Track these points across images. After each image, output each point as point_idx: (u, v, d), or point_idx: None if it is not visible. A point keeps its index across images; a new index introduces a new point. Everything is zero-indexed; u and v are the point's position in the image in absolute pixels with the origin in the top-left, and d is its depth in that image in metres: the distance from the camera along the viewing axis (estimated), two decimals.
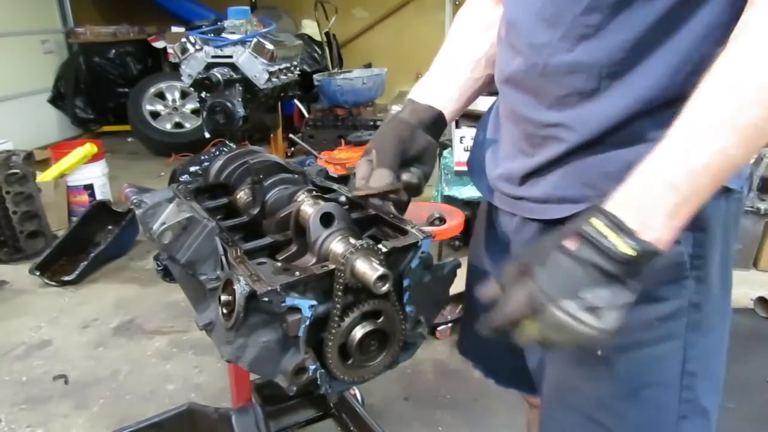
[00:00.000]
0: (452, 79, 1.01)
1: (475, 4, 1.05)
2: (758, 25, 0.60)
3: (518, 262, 0.68)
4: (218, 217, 1.03)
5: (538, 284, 0.63)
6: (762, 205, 2.82)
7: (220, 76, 3.21)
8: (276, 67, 3.42)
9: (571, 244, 0.63)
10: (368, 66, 5.86)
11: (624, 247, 0.59)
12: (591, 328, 0.60)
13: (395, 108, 0.97)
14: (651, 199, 0.61)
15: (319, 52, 5.59)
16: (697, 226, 0.73)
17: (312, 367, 0.83)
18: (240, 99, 3.30)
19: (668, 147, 0.62)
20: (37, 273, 3.08)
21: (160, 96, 5.55)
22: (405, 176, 0.92)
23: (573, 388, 0.87)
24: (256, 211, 1.02)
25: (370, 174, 0.89)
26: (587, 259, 0.61)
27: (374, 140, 0.93)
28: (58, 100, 6.07)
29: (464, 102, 1.02)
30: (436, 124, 0.97)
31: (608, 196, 0.64)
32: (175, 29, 5.17)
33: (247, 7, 3.80)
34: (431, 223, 2.34)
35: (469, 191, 2.85)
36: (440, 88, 1.00)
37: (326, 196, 1.02)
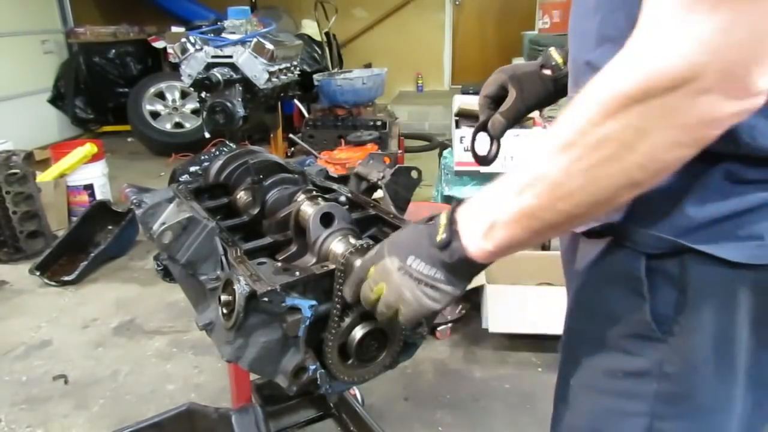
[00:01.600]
0: None
1: None
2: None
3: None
4: (218, 217, 1.04)
5: (387, 240, 0.72)
6: None
7: (220, 76, 3.20)
8: (276, 67, 3.42)
9: (423, 219, 0.71)
10: (368, 66, 5.86)
11: (440, 235, 0.66)
12: (407, 290, 0.68)
13: (555, 56, 0.89)
14: (476, 211, 0.65)
15: (319, 52, 5.59)
16: (671, 282, 0.65)
17: (312, 367, 0.83)
18: (240, 99, 3.30)
19: (511, 172, 0.63)
20: (37, 273, 3.08)
21: (160, 96, 5.55)
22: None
23: (555, 410, 0.86)
24: (256, 211, 1.02)
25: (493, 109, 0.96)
26: (421, 231, 0.69)
27: (525, 82, 0.94)
28: (58, 100, 6.08)
29: None
30: None
31: None
32: (175, 29, 5.17)
33: (247, 7, 3.79)
34: None
35: (469, 191, 2.85)
36: None
37: (326, 196, 1.02)
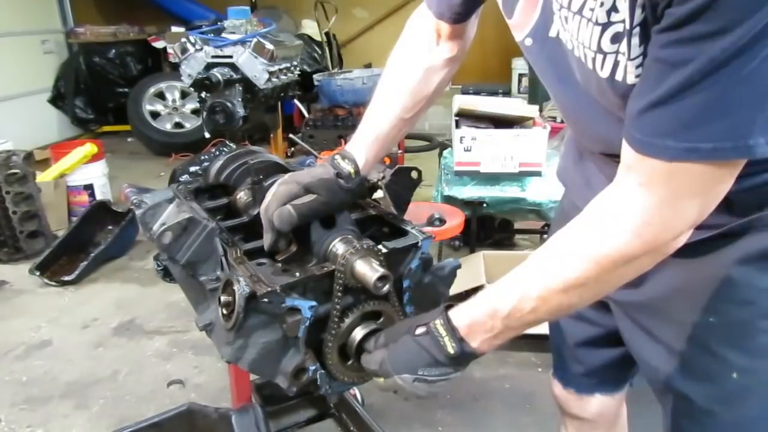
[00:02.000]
0: (387, 142, 1.02)
1: (417, 42, 1.07)
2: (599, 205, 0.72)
3: (381, 334, 0.84)
4: (218, 217, 1.03)
5: (388, 357, 0.80)
6: None
7: (220, 76, 3.20)
8: (276, 67, 3.42)
9: (418, 333, 0.79)
10: (368, 66, 5.86)
11: (450, 347, 0.77)
12: (422, 390, 0.80)
13: (343, 164, 0.93)
14: (479, 320, 0.77)
15: (319, 52, 5.59)
16: None
17: (312, 368, 0.83)
18: (240, 99, 3.30)
19: (508, 282, 0.77)
20: (37, 273, 3.08)
21: (160, 96, 5.55)
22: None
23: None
24: (256, 211, 1.02)
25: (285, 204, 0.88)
26: (426, 347, 0.78)
27: (324, 190, 0.90)
28: (58, 100, 6.08)
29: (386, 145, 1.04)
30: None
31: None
32: (175, 29, 5.17)
33: (247, 7, 3.79)
34: (431, 224, 2.34)
35: (469, 191, 2.85)
36: (374, 154, 1.01)
37: None
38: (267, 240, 0.90)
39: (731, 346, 0.85)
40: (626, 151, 0.68)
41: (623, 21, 0.66)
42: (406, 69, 1.06)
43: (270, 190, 0.91)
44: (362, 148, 0.99)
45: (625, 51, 0.67)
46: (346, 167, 0.93)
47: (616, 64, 0.70)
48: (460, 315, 0.78)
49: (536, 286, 0.73)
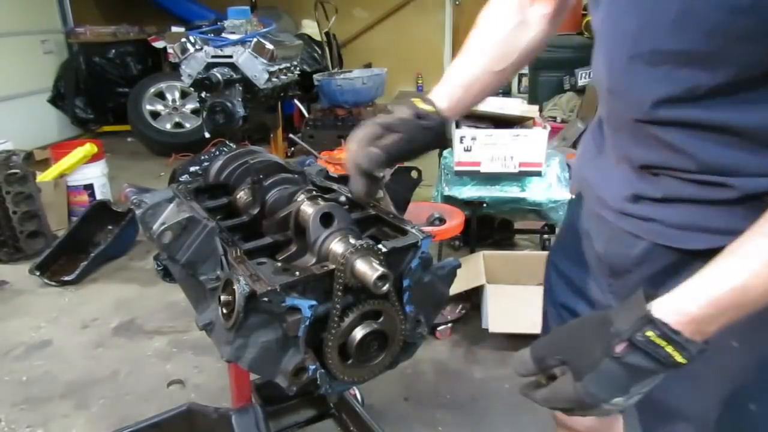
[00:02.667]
0: (474, 93, 0.98)
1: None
2: None
3: (559, 359, 0.70)
4: (218, 217, 1.03)
5: (588, 390, 0.65)
6: None
7: (220, 76, 3.20)
8: (276, 67, 3.42)
9: (621, 351, 0.64)
10: (368, 66, 5.86)
11: (679, 357, 0.62)
12: (621, 406, 0.66)
13: (422, 106, 0.91)
14: (712, 312, 0.62)
15: (319, 52, 5.59)
16: None
17: (312, 367, 0.83)
18: (240, 99, 3.30)
19: (734, 261, 0.62)
20: (37, 273, 3.08)
21: (160, 96, 5.55)
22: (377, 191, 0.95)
23: None
24: (256, 211, 1.02)
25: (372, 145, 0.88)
26: (637, 365, 0.63)
27: (405, 129, 0.90)
28: (58, 100, 6.07)
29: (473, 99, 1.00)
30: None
31: (661, 295, 0.64)
32: (175, 29, 5.17)
33: (247, 7, 3.79)
34: (431, 223, 2.34)
35: (469, 191, 2.85)
36: (464, 105, 0.98)
37: (326, 196, 1.02)
38: (358, 187, 0.89)
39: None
40: None
41: None
42: (494, 22, 0.99)
43: (352, 136, 0.89)
44: (443, 93, 0.95)
45: None
46: (425, 106, 0.91)
47: None
48: (676, 310, 0.63)
49: None
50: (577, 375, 0.67)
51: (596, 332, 0.66)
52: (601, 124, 0.90)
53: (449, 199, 2.86)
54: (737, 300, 0.61)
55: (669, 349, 0.61)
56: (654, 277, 0.81)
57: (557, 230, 1.13)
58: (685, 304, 0.62)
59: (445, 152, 3.16)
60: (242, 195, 1.09)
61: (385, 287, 0.79)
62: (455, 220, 2.40)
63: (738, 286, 0.60)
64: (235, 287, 0.75)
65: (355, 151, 0.87)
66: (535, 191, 2.82)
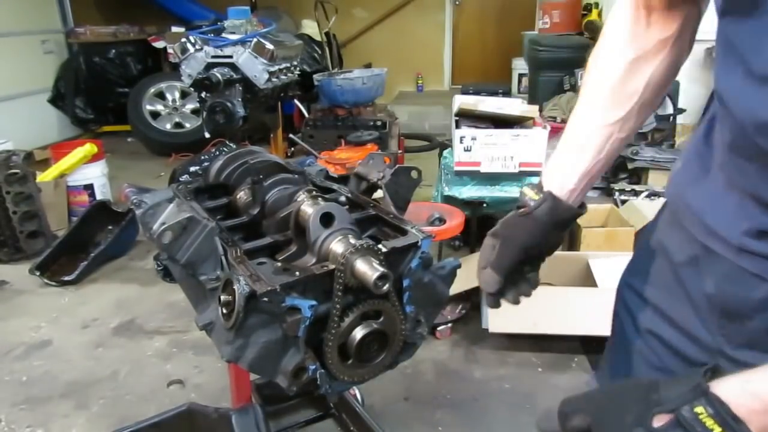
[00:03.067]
0: (591, 155, 0.83)
1: (618, 30, 0.83)
2: None
3: (587, 420, 0.59)
4: (218, 217, 1.03)
5: None
6: None
7: (220, 76, 3.20)
8: (276, 67, 3.42)
9: (660, 426, 0.53)
10: (368, 66, 5.86)
11: None
12: None
13: (529, 194, 0.83)
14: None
15: (319, 52, 5.59)
16: None
17: (312, 367, 0.83)
18: (240, 99, 3.30)
19: None
20: (37, 273, 3.08)
21: (160, 96, 5.55)
22: (511, 295, 0.90)
23: None
24: (256, 211, 1.02)
25: (486, 266, 0.85)
26: None
27: (503, 230, 0.84)
28: (58, 100, 6.08)
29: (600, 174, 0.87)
30: (573, 220, 0.87)
31: (722, 374, 0.54)
32: (175, 29, 5.18)
33: (247, 7, 3.80)
34: (431, 223, 2.34)
35: (469, 191, 2.85)
36: (579, 172, 0.84)
37: (326, 196, 1.02)
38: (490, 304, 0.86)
39: None
40: None
41: None
42: (605, 64, 0.83)
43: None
44: (557, 167, 0.84)
45: None
46: (528, 193, 0.83)
47: None
48: (748, 389, 0.52)
49: None
50: None
51: (637, 398, 0.56)
52: (709, 142, 0.77)
53: (449, 199, 2.86)
54: None
55: (717, 430, 0.50)
56: None
57: (634, 250, 0.97)
58: (760, 387, 0.50)
59: (445, 152, 3.16)
60: (242, 195, 1.09)
61: (386, 287, 0.79)
62: (455, 220, 2.40)
63: None
64: (235, 287, 0.75)
65: (478, 276, 0.84)
66: None
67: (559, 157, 0.85)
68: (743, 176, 0.69)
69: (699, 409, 0.50)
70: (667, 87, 0.83)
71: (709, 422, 0.49)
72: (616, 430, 0.55)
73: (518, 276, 0.88)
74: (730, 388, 0.51)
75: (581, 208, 0.86)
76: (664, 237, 0.86)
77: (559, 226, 0.85)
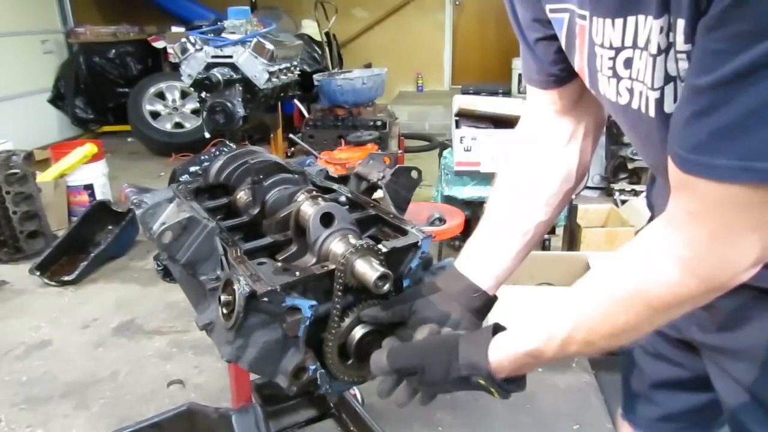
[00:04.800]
0: (506, 247, 0.90)
1: (531, 123, 0.92)
2: (643, 241, 0.65)
3: (412, 369, 0.78)
4: (218, 217, 1.03)
5: (430, 393, 0.80)
6: None
7: (220, 76, 3.21)
8: (276, 67, 3.42)
9: (463, 374, 0.76)
10: (368, 66, 5.86)
11: (498, 395, 0.77)
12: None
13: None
14: (524, 363, 0.75)
15: (319, 52, 5.59)
16: None
17: (312, 368, 0.83)
18: (240, 99, 3.30)
19: (554, 322, 0.72)
20: (37, 273, 3.08)
21: (160, 96, 5.55)
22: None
23: None
24: (256, 211, 1.02)
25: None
26: (464, 389, 0.78)
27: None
28: (58, 100, 6.08)
29: (518, 263, 0.94)
30: (488, 307, 0.93)
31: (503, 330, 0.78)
32: (175, 29, 5.18)
33: (247, 7, 3.80)
34: (431, 223, 2.34)
35: (469, 191, 2.85)
36: (492, 262, 0.90)
37: (326, 196, 1.02)
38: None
39: None
40: (672, 172, 0.59)
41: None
42: (522, 169, 0.91)
43: None
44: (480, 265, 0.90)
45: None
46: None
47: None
48: (503, 364, 0.75)
49: (582, 328, 0.69)
50: (423, 387, 0.79)
51: (448, 351, 0.77)
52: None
53: (449, 199, 2.86)
54: (532, 361, 0.74)
55: (492, 389, 0.75)
56: (733, 312, 0.79)
57: None
58: (505, 355, 0.74)
59: (445, 152, 3.16)
60: (242, 195, 1.09)
61: (386, 287, 0.79)
62: (455, 220, 2.40)
63: (534, 352, 0.73)
64: (235, 287, 0.75)
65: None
66: None
67: (479, 260, 0.90)
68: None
69: (481, 382, 0.75)
70: (587, 166, 0.91)
71: (484, 382, 0.75)
72: (436, 372, 0.76)
73: None
74: (499, 351, 0.74)
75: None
76: None
77: (473, 326, 0.90)
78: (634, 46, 0.63)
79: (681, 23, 0.55)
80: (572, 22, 0.72)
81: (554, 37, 0.78)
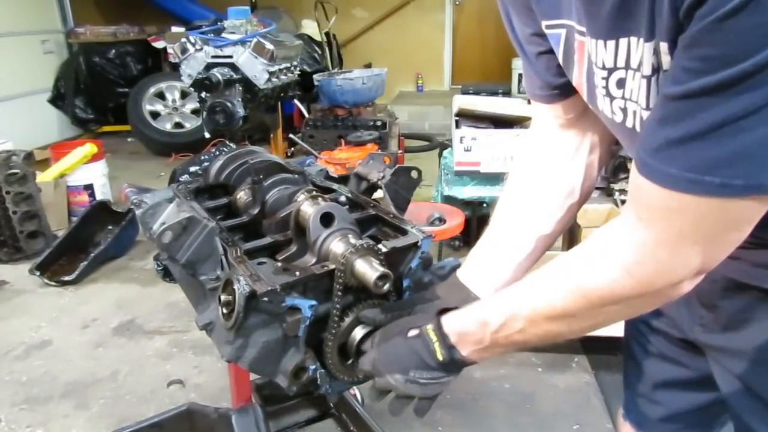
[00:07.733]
0: (507, 259, 0.92)
1: (537, 136, 0.94)
2: (602, 236, 0.68)
3: (376, 334, 0.83)
4: (218, 217, 1.03)
5: (379, 356, 0.80)
6: None
7: (220, 76, 3.21)
8: (276, 67, 3.42)
9: (411, 334, 0.79)
10: (368, 66, 5.87)
11: (440, 354, 0.76)
12: (415, 392, 0.79)
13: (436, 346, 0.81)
14: (470, 330, 0.76)
15: (319, 52, 5.59)
16: None
17: (312, 367, 0.83)
18: (240, 99, 3.30)
19: (502, 298, 0.75)
20: (37, 273, 3.08)
21: (160, 96, 5.55)
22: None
23: None
24: (256, 211, 1.02)
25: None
26: (416, 350, 0.77)
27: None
28: (58, 100, 6.08)
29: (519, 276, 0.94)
30: None
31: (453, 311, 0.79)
32: (175, 29, 5.17)
33: (247, 7, 3.80)
34: (431, 223, 2.34)
35: (469, 191, 2.85)
36: (492, 274, 0.91)
37: (326, 196, 1.02)
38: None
39: None
40: (632, 174, 0.62)
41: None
42: (521, 184, 0.93)
43: None
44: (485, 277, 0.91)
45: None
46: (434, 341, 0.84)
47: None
48: (452, 322, 0.77)
49: (526, 307, 0.71)
50: (379, 346, 0.82)
51: (404, 323, 0.82)
52: None
53: (449, 199, 2.86)
54: (480, 334, 0.75)
55: (436, 344, 0.76)
56: (738, 313, 0.80)
57: None
58: (455, 320, 0.77)
59: (445, 152, 3.16)
60: (242, 195, 1.09)
61: (386, 287, 0.79)
62: (455, 220, 2.40)
63: (481, 323, 0.75)
64: (235, 287, 0.75)
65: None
66: None
67: (481, 270, 0.92)
68: None
69: (429, 327, 0.77)
70: (596, 177, 0.92)
71: (433, 335, 0.77)
72: (389, 336, 0.81)
73: None
74: (447, 319, 0.78)
75: None
76: None
77: None
78: (627, 66, 0.64)
79: (664, 46, 0.57)
80: (570, 38, 0.73)
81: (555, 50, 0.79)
